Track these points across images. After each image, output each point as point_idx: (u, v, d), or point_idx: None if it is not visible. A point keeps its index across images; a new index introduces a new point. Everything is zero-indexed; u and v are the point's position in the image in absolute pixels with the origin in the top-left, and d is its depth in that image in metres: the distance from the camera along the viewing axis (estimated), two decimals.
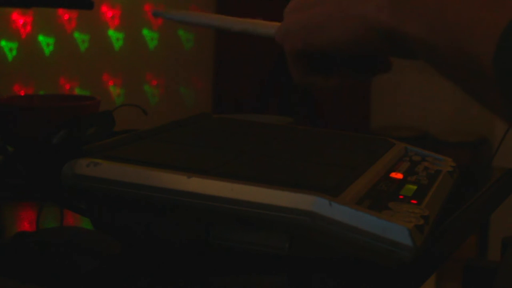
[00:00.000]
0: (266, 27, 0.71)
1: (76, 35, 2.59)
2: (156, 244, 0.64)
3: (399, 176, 0.71)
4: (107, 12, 2.69)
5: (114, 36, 2.74)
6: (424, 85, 3.15)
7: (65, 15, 2.51)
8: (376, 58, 0.67)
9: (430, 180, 0.72)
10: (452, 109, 3.12)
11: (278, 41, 0.66)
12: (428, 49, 0.53)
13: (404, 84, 3.22)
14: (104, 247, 0.62)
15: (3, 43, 2.33)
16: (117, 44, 2.75)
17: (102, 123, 0.96)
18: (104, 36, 2.71)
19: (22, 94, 2.32)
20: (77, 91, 2.58)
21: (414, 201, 0.64)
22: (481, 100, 0.52)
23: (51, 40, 2.49)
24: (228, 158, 0.68)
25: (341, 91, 3.12)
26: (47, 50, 2.48)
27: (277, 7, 2.86)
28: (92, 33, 2.65)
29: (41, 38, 2.45)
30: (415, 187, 0.68)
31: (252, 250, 0.61)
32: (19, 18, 2.35)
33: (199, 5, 3.06)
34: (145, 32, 2.86)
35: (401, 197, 0.65)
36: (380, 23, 0.56)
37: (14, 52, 2.36)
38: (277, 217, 0.58)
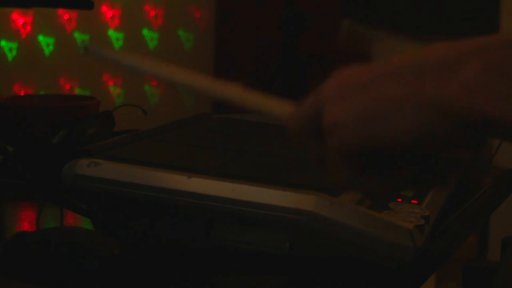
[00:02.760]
0: (274, 107, 0.56)
1: (76, 35, 2.59)
2: (156, 244, 0.64)
3: None
4: (107, 12, 2.69)
5: (114, 36, 2.73)
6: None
7: (65, 15, 2.51)
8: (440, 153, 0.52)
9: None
10: None
11: (294, 128, 0.52)
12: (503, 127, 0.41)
13: None
14: (104, 247, 0.62)
15: (3, 43, 2.33)
16: (117, 44, 2.75)
17: (102, 123, 0.96)
18: (104, 36, 2.71)
19: (22, 94, 2.32)
20: (77, 91, 2.58)
21: (414, 201, 0.64)
22: None
23: (51, 40, 2.49)
24: (228, 158, 0.68)
25: None
26: (47, 50, 2.48)
27: (277, 7, 2.86)
28: (92, 33, 2.65)
29: (41, 38, 2.45)
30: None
31: (253, 250, 0.61)
32: (19, 18, 2.35)
33: (199, 5, 3.06)
34: (145, 32, 2.86)
35: (399, 200, 0.65)
36: (471, 110, 0.41)
37: (14, 52, 2.36)
38: (277, 217, 0.58)
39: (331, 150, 0.49)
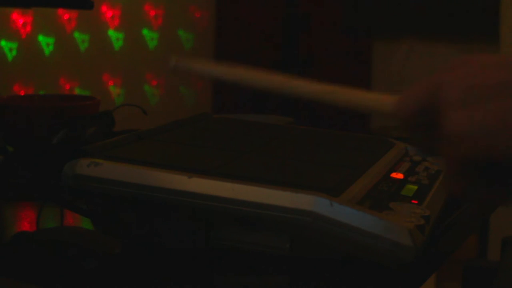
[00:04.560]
0: (373, 100, 0.54)
1: (76, 35, 2.59)
2: (156, 244, 0.64)
3: (399, 176, 0.71)
4: (107, 12, 2.69)
5: (114, 36, 2.73)
6: None
7: (65, 15, 2.51)
8: None
9: (431, 180, 0.72)
10: None
11: (405, 114, 0.48)
12: None
13: (404, 83, 3.21)
14: (104, 247, 0.62)
15: (3, 43, 2.32)
16: (117, 44, 2.75)
17: (102, 123, 0.96)
18: (104, 36, 2.71)
19: (22, 94, 2.32)
20: (77, 91, 2.58)
21: (414, 201, 0.64)
22: None
23: (51, 40, 2.48)
24: (228, 158, 0.68)
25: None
26: (47, 50, 2.48)
27: (277, 7, 2.86)
28: (92, 33, 2.65)
29: (41, 38, 2.45)
30: (415, 187, 0.68)
31: (253, 250, 0.61)
32: (19, 18, 2.35)
33: (199, 5, 3.06)
34: (145, 32, 2.86)
35: (399, 200, 0.65)
36: None
37: (14, 52, 2.36)
38: (278, 217, 0.58)
39: (451, 159, 0.46)
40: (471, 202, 0.48)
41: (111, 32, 2.76)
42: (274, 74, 0.58)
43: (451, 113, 0.45)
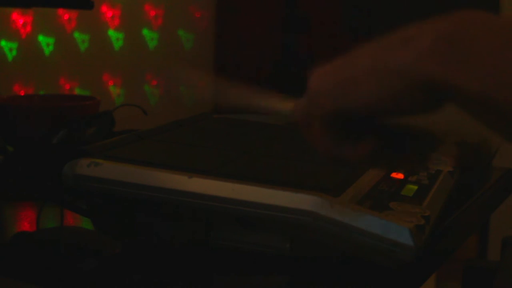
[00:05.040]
0: (282, 103, 0.61)
1: (76, 35, 2.59)
2: (156, 244, 0.64)
3: (399, 176, 0.71)
4: (107, 12, 2.69)
5: (114, 36, 2.73)
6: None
7: (65, 15, 2.51)
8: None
9: (431, 180, 0.72)
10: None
11: (299, 114, 0.56)
12: (481, 103, 0.46)
13: None
14: (104, 247, 0.62)
15: (3, 43, 2.32)
16: (117, 44, 2.75)
17: (102, 123, 0.96)
18: (104, 36, 2.71)
19: (22, 94, 2.32)
20: (77, 91, 2.58)
21: (415, 201, 0.64)
22: (491, 126, 0.49)
23: (51, 40, 2.48)
24: (228, 158, 0.68)
25: None
26: (47, 50, 2.48)
27: (277, 7, 2.86)
28: (92, 33, 2.65)
29: (41, 38, 2.45)
30: (416, 187, 0.68)
31: (253, 250, 0.61)
32: (19, 18, 2.35)
33: (199, 5, 3.06)
34: (145, 32, 2.86)
35: (400, 200, 0.65)
36: (423, 76, 0.47)
37: (14, 52, 2.36)
38: (278, 217, 0.58)
39: (312, 117, 0.54)
40: (338, 162, 0.54)
41: (111, 32, 2.76)
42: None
43: (313, 81, 0.55)
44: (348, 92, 0.51)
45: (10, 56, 2.38)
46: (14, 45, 2.39)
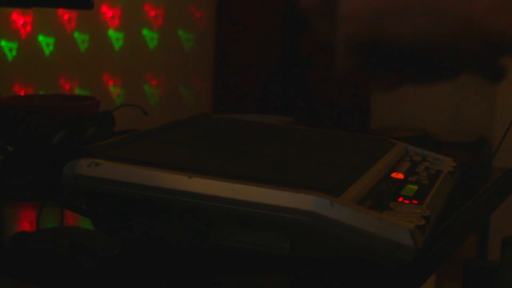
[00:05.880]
0: None
1: (76, 35, 2.59)
2: (156, 244, 0.64)
3: (400, 176, 0.71)
4: (107, 12, 2.69)
5: (114, 36, 2.73)
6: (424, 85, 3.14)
7: (65, 15, 2.51)
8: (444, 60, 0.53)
9: (431, 180, 0.72)
10: (452, 109, 3.12)
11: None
12: None
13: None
14: (104, 247, 0.62)
15: (3, 43, 2.32)
16: (117, 44, 2.75)
17: (102, 123, 0.96)
18: (104, 36, 2.71)
19: (22, 94, 2.32)
20: (77, 91, 2.58)
21: (415, 201, 0.64)
22: None
23: (51, 40, 2.49)
24: (228, 158, 0.68)
25: (341, 92, 3.12)
26: (47, 50, 2.48)
27: (277, 7, 2.85)
28: (92, 33, 2.65)
29: (41, 38, 2.45)
30: (416, 187, 0.68)
31: (253, 250, 0.61)
32: (19, 18, 2.35)
33: (199, 5, 3.06)
34: (145, 32, 2.86)
35: (400, 199, 0.65)
36: (492, 28, 0.45)
37: (14, 52, 2.36)
38: (278, 218, 0.58)
39: (342, 39, 0.50)
40: (355, 81, 0.52)
41: (111, 32, 2.76)
42: None
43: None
44: (392, 21, 0.47)
45: (10, 56, 2.38)
46: (14, 45, 2.39)
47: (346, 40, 0.50)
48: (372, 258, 0.57)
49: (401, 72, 0.52)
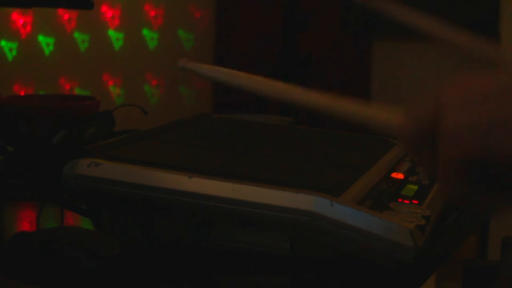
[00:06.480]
0: (382, 115, 0.51)
1: (76, 35, 2.59)
2: (156, 244, 0.64)
3: (400, 176, 0.71)
4: (107, 12, 2.69)
5: (114, 36, 2.73)
6: (424, 85, 3.15)
7: (65, 15, 2.51)
8: None
9: (431, 180, 0.72)
10: None
11: (408, 137, 0.47)
12: None
13: (404, 83, 3.22)
14: (104, 247, 0.62)
15: (3, 43, 2.32)
16: (117, 44, 2.75)
17: (102, 123, 0.96)
18: (104, 36, 2.71)
19: (22, 94, 2.32)
20: (77, 91, 2.58)
21: (415, 201, 0.64)
22: None
23: (51, 40, 2.48)
24: (228, 158, 0.68)
25: (341, 91, 3.12)
26: (47, 50, 2.48)
27: (277, 7, 2.86)
28: (92, 33, 2.65)
29: (41, 38, 2.45)
30: (416, 187, 0.68)
31: (253, 250, 0.61)
32: (19, 18, 2.35)
33: (199, 5, 3.06)
34: (145, 32, 2.86)
35: (400, 199, 0.65)
36: None
37: (14, 52, 2.36)
38: (278, 217, 0.58)
39: (446, 159, 0.45)
40: (470, 208, 0.47)
41: (111, 32, 2.76)
42: (275, 81, 0.58)
43: (450, 110, 0.44)
44: (501, 136, 0.42)
45: (10, 56, 2.38)
46: (14, 45, 2.39)
47: (451, 159, 0.45)
48: (372, 258, 0.57)
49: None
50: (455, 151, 0.44)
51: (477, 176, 0.45)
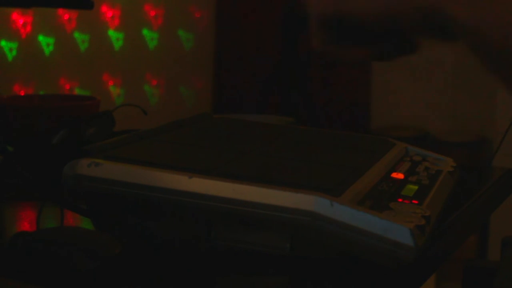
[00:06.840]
0: None
1: (76, 35, 2.59)
2: (156, 244, 0.64)
3: (400, 176, 0.71)
4: (107, 12, 2.69)
5: (114, 36, 2.73)
6: (424, 85, 3.15)
7: (65, 15, 2.51)
8: (404, 36, 0.60)
9: (431, 180, 0.72)
10: (452, 109, 3.12)
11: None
12: (473, 35, 0.49)
13: (404, 84, 3.22)
14: (104, 247, 0.62)
15: (3, 43, 2.33)
16: (117, 44, 2.75)
17: (102, 123, 0.96)
18: (104, 36, 2.71)
19: (22, 94, 2.32)
20: (77, 91, 2.58)
21: (415, 201, 0.64)
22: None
23: (51, 40, 2.49)
24: (228, 158, 0.68)
25: (341, 91, 3.12)
26: (47, 50, 2.48)
27: (277, 7, 2.86)
28: (92, 33, 2.65)
29: (41, 38, 2.45)
30: (416, 187, 0.68)
31: (253, 250, 0.61)
32: (19, 18, 2.35)
33: (199, 5, 3.06)
34: (145, 32, 2.86)
35: (400, 199, 0.65)
36: (443, 13, 0.50)
37: (14, 52, 2.36)
38: (278, 217, 0.58)
39: (313, 16, 0.58)
40: (335, 59, 0.61)
41: (111, 32, 2.76)
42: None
43: None
44: (355, 1, 0.54)
45: (10, 56, 2.38)
46: (14, 45, 2.39)
47: (316, 16, 0.58)
48: (372, 258, 0.57)
49: (368, 46, 0.60)
50: (316, 8, 0.58)
51: (337, 32, 0.58)
